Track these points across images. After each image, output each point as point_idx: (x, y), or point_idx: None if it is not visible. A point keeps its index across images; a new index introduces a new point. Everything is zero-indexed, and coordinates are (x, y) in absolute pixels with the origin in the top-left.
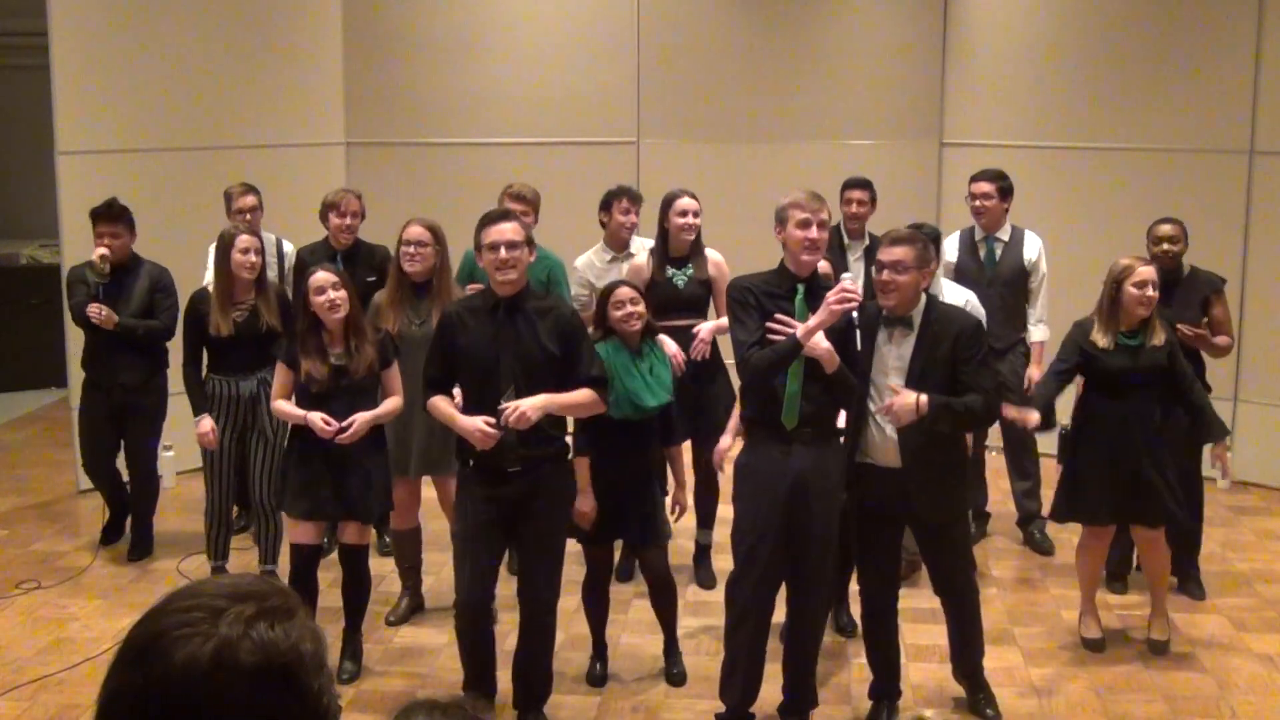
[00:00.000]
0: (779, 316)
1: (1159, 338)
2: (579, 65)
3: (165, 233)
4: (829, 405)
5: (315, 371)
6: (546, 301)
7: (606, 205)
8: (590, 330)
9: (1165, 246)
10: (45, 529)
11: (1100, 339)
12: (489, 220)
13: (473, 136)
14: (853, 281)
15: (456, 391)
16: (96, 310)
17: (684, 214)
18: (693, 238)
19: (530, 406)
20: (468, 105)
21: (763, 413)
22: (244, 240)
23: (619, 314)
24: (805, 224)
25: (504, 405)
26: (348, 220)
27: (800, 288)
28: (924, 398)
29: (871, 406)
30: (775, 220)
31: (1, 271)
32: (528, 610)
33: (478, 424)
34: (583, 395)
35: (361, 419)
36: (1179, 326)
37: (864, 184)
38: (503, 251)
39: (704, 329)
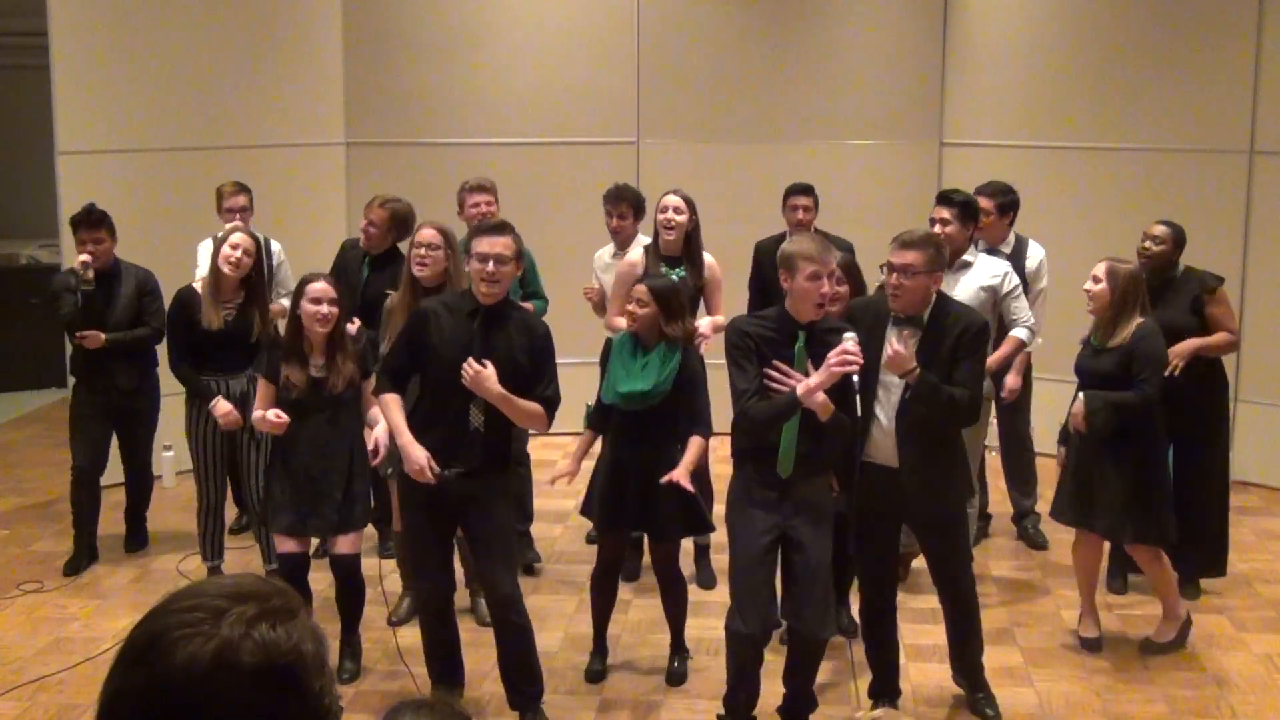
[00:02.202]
0: (778, 365)
1: (1117, 339)
2: (579, 65)
3: (165, 232)
4: (823, 448)
5: (294, 377)
6: (520, 314)
7: (607, 210)
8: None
9: (1146, 244)
10: (46, 529)
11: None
12: (483, 230)
13: (473, 136)
14: (855, 343)
15: None
16: (81, 338)
17: (664, 210)
18: (672, 236)
19: (492, 385)
20: (468, 105)
21: (754, 447)
22: (235, 237)
23: (628, 308)
24: (815, 277)
25: (470, 365)
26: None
27: (801, 335)
28: (918, 370)
29: (877, 408)
30: (780, 265)
31: (2, 272)
32: (496, 611)
33: (422, 461)
34: (533, 406)
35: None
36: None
37: (808, 189)
38: (490, 265)
39: (703, 325)
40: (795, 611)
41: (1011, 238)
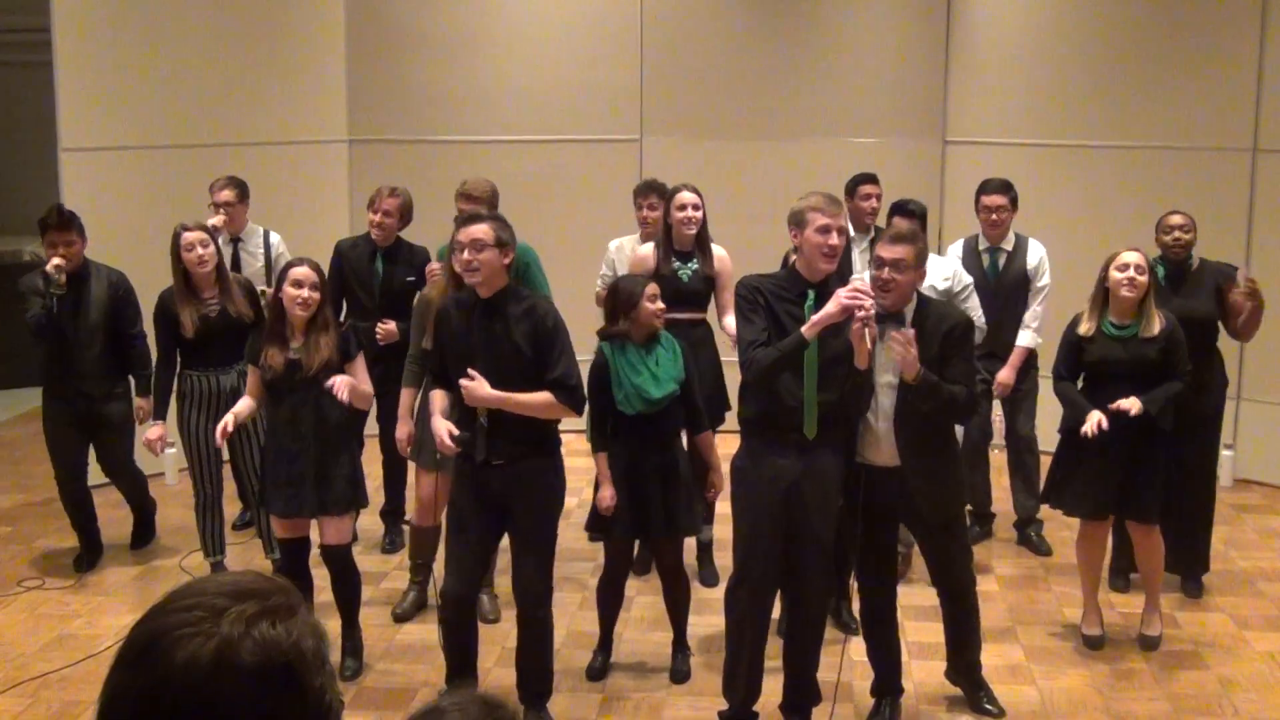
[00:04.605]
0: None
1: (1153, 329)
2: (582, 62)
3: (167, 229)
4: (837, 413)
5: (273, 360)
6: (526, 303)
7: (637, 203)
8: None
9: (1176, 235)
10: (48, 526)
11: (1083, 325)
12: (462, 221)
13: (476, 134)
14: (864, 282)
15: None
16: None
17: (683, 208)
18: (693, 232)
19: (484, 393)
20: (471, 102)
21: (762, 416)
22: (189, 237)
23: (653, 307)
24: (825, 230)
25: (463, 384)
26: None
27: (811, 293)
28: (922, 369)
29: (869, 410)
30: (790, 223)
31: (4, 268)
32: (520, 604)
33: (442, 432)
34: (540, 397)
35: (341, 380)
36: (1232, 292)
37: (876, 179)
38: (465, 253)
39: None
40: (803, 581)
41: (1012, 236)
